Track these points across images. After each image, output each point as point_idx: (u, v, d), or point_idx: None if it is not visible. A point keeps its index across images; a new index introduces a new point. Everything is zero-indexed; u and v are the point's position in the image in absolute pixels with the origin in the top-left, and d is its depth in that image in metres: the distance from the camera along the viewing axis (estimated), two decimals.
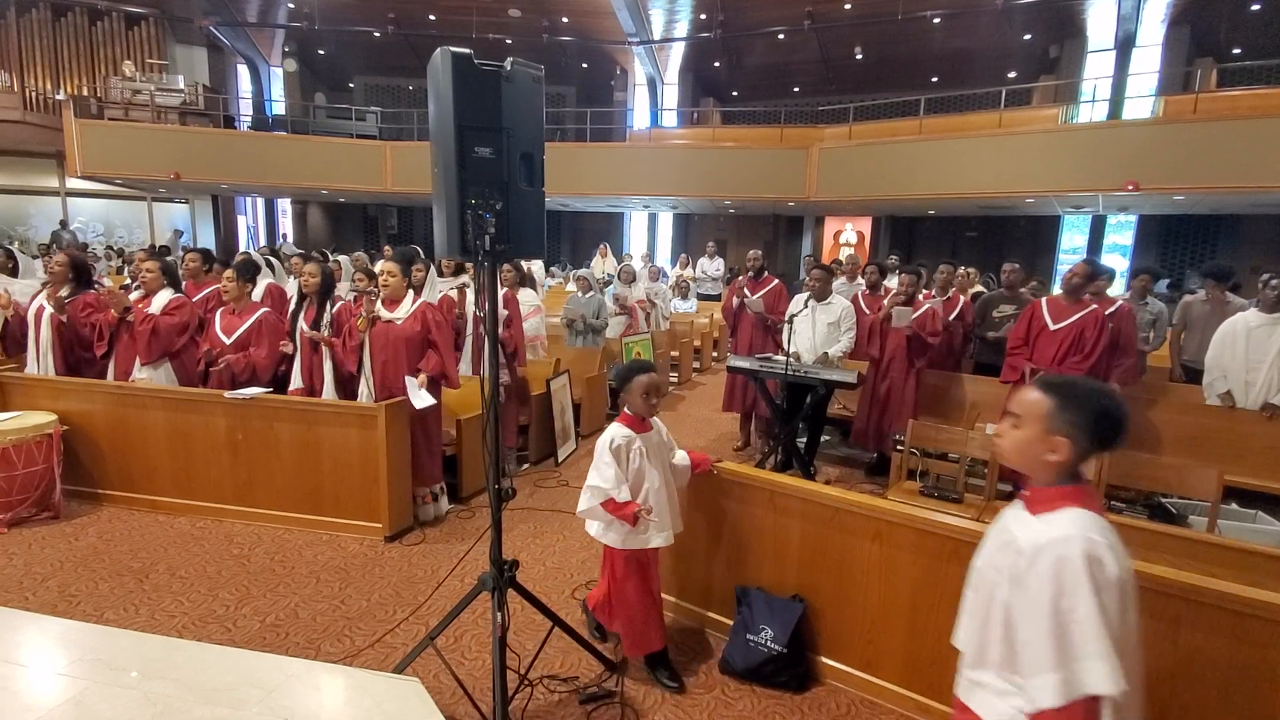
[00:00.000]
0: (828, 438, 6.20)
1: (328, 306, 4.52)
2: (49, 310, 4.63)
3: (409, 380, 4.06)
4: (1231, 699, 2.07)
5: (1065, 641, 1.35)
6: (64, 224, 15.64)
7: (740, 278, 6.44)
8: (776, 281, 6.14)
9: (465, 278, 5.64)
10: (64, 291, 4.69)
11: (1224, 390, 4.73)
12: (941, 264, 6.07)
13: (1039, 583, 1.39)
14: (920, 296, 5.40)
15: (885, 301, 5.41)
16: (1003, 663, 1.49)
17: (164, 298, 4.59)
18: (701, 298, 11.49)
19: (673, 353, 8.66)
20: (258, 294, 5.19)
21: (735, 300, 6.11)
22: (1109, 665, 1.32)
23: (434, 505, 4.37)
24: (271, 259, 6.62)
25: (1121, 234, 14.98)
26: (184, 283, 5.36)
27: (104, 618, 3.18)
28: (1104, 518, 1.46)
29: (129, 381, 4.49)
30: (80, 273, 4.82)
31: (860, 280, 7.76)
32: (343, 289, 6.03)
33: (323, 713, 1.56)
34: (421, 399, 4.02)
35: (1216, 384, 4.77)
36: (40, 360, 4.67)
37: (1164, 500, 4.10)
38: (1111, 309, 4.94)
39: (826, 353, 5.27)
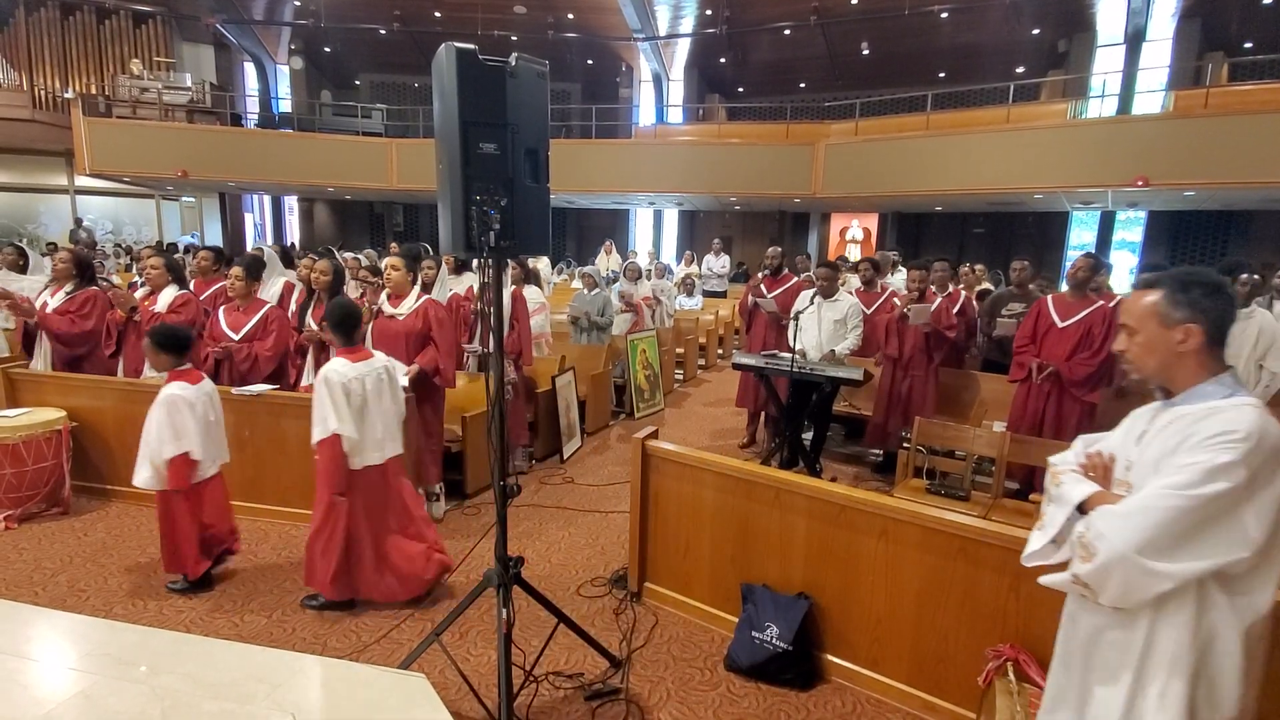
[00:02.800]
0: (833, 434, 6.18)
1: None
2: (50, 308, 4.66)
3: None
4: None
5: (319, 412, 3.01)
6: (79, 222, 15.73)
7: (759, 275, 6.41)
8: (795, 280, 6.11)
9: (470, 277, 5.64)
10: (68, 287, 4.71)
11: None
12: (936, 262, 5.84)
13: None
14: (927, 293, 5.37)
15: (898, 300, 5.37)
16: None
17: (169, 294, 4.61)
18: (707, 295, 11.46)
19: (678, 350, 8.65)
20: (275, 291, 5.19)
21: (750, 299, 6.09)
22: (329, 425, 2.97)
23: (432, 505, 4.37)
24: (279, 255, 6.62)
25: (1131, 230, 14.87)
26: (194, 279, 5.38)
27: (113, 612, 3.21)
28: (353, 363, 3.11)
29: (140, 379, 4.51)
30: (84, 269, 4.84)
31: (895, 279, 7.71)
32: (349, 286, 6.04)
33: (329, 708, 1.57)
34: None
35: None
36: (44, 357, 4.70)
37: None
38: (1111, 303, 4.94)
39: (834, 350, 5.25)
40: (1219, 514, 1.38)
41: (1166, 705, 1.45)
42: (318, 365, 4.51)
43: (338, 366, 3.08)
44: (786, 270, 6.22)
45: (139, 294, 4.83)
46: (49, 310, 4.65)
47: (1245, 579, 1.42)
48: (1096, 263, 4.77)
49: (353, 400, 3.06)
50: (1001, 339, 5.51)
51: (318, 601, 3.27)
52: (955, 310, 5.73)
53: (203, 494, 3.38)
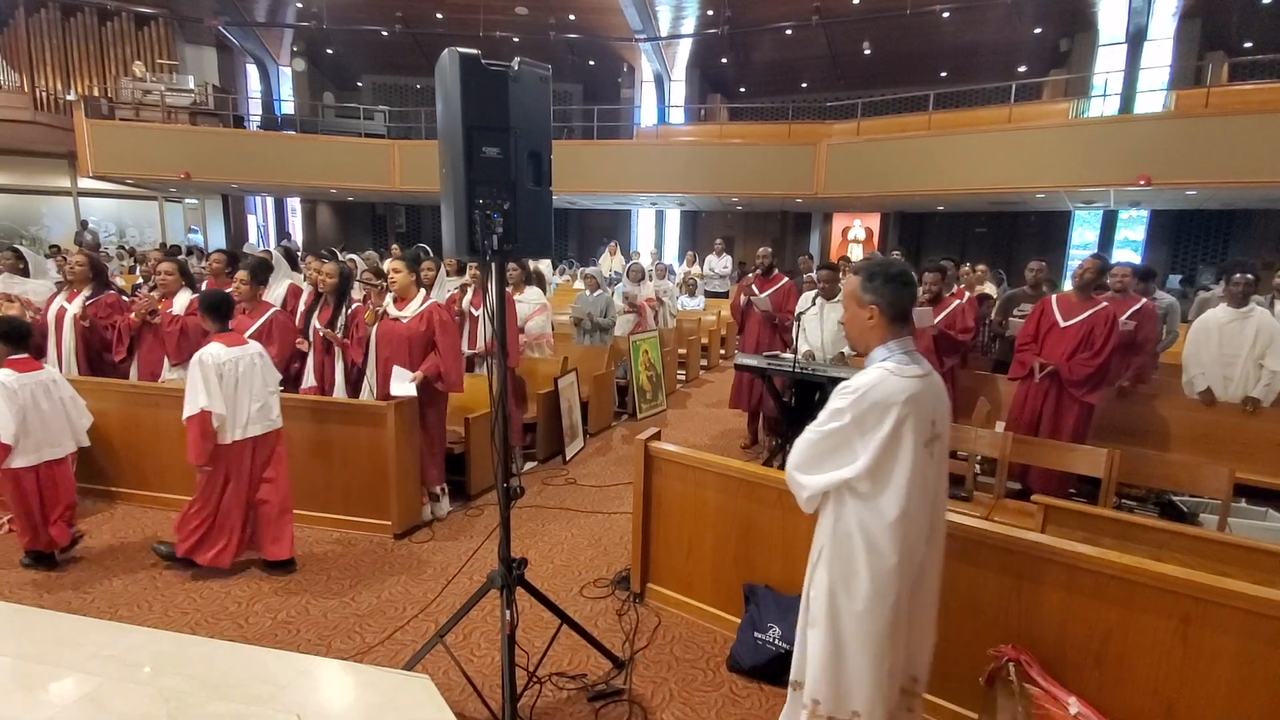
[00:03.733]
0: None
1: (344, 307, 4.55)
2: (71, 312, 4.66)
3: (396, 368, 4.04)
4: (1240, 697, 2.06)
5: (191, 391, 3.27)
6: (85, 224, 15.77)
7: (749, 275, 6.44)
8: (786, 280, 6.13)
9: (466, 277, 5.66)
10: (86, 292, 4.72)
11: (1204, 387, 4.77)
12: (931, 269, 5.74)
13: None
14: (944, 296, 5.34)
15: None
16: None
17: (185, 298, 4.63)
18: (709, 295, 11.47)
19: (680, 350, 8.66)
20: (279, 294, 5.21)
21: (743, 298, 6.10)
22: (199, 402, 3.28)
23: (435, 505, 4.38)
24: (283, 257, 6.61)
25: (1133, 229, 14.85)
26: (206, 282, 5.40)
27: (118, 614, 3.22)
28: (227, 347, 3.41)
29: (158, 382, 4.53)
30: (99, 273, 4.86)
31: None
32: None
33: (333, 709, 1.58)
34: (402, 388, 3.97)
35: (1196, 381, 4.84)
36: (63, 363, 4.69)
37: (1174, 498, 4.07)
38: (1136, 307, 4.94)
39: (842, 353, 5.24)
40: (838, 444, 1.91)
41: (817, 581, 2.02)
42: (317, 367, 4.54)
43: (212, 350, 3.41)
44: (776, 270, 6.25)
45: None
46: (69, 315, 4.65)
47: (869, 495, 1.90)
48: (1104, 264, 4.76)
49: (225, 381, 3.40)
50: (1011, 338, 5.51)
51: (164, 549, 3.64)
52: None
53: (54, 475, 3.56)
